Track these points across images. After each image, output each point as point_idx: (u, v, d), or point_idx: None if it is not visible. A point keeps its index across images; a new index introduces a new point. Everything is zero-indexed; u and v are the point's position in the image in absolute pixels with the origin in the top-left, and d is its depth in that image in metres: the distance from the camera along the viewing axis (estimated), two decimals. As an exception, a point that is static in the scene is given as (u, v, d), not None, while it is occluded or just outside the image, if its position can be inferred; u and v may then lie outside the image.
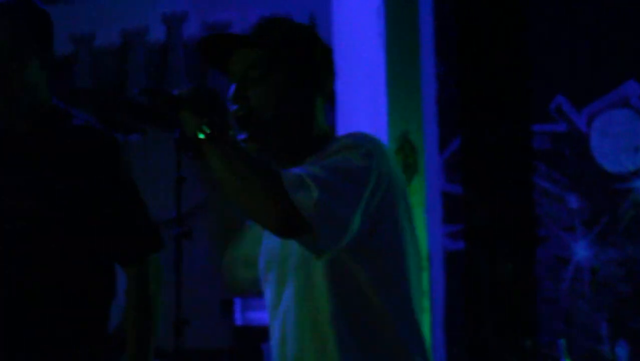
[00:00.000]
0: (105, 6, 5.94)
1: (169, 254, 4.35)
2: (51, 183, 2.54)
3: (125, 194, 2.65)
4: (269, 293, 2.27)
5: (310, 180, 1.98)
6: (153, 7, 5.81)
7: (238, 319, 5.01)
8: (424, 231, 4.41)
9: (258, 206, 2.02)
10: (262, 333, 5.24)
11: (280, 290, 2.21)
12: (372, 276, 2.09)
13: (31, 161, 2.58)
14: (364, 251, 2.08)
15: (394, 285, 2.10)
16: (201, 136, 2.02)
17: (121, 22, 5.91)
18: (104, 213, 2.56)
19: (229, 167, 2.03)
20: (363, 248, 2.07)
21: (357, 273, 2.09)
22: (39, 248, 2.54)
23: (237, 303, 5.02)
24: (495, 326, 4.63)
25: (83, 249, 2.57)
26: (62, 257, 2.55)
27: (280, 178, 1.99)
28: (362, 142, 2.06)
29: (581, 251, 4.60)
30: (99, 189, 2.54)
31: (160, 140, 5.83)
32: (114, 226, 2.59)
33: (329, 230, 2.00)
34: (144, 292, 2.69)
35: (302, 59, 2.16)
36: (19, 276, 2.54)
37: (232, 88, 2.16)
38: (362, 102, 4.34)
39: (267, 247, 2.24)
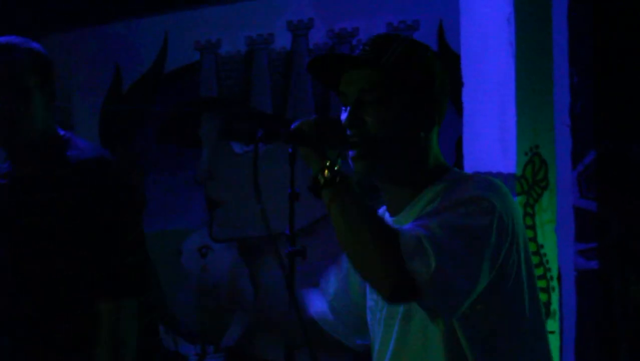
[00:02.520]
0: (230, 14, 5.91)
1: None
2: (50, 216, 2.59)
3: (115, 230, 2.65)
4: (376, 343, 2.18)
5: (428, 244, 1.87)
6: (278, 15, 5.76)
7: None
8: (554, 248, 4.23)
9: (370, 267, 1.91)
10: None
11: (388, 339, 2.12)
12: (489, 329, 1.99)
13: (33, 196, 2.63)
14: (483, 306, 1.98)
15: (511, 337, 2.01)
16: (320, 179, 1.95)
17: (246, 29, 5.87)
18: (90, 245, 2.60)
19: (346, 219, 1.92)
20: (482, 304, 1.97)
21: (474, 327, 2.00)
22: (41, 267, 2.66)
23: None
24: (630, 351, 4.44)
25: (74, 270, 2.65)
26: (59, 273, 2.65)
27: (397, 239, 1.88)
28: (484, 194, 1.95)
29: None
30: (91, 222, 2.57)
31: (285, 151, 5.77)
32: (94, 259, 2.63)
33: (446, 301, 1.89)
34: (112, 333, 2.68)
35: (421, 82, 2.05)
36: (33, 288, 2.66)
37: (346, 111, 2.06)
38: (490, 114, 4.19)
39: (375, 297, 2.15)
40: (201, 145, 6.12)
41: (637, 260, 4.51)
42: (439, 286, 1.87)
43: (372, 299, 2.20)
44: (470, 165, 4.25)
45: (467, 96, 4.28)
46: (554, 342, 4.22)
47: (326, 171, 1.95)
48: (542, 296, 4.21)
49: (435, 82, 2.08)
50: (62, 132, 2.79)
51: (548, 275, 4.23)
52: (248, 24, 5.87)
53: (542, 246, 4.20)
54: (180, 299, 6.08)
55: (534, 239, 4.18)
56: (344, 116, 2.06)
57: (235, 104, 6.01)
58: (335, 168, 1.95)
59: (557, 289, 4.26)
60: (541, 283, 4.22)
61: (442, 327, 1.99)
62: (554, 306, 4.24)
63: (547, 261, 4.23)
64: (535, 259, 4.20)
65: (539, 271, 4.20)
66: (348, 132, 2.04)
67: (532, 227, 4.19)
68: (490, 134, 4.17)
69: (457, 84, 4.46)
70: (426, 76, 2.07)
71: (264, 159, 5.84)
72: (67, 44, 6.30)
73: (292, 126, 2.04)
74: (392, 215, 2.14)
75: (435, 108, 2.08)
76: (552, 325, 4.21)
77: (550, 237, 4.22)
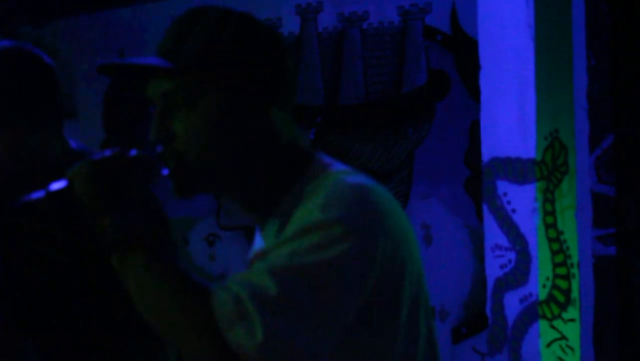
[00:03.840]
0: (238, -2, 5.84)
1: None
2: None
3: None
4: None
5: (251, 304, 1.47)
6: (287, -1, 5.70)
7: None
8: (574, 235, 4.17)
9: (183, 344, 1.52)
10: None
11: None
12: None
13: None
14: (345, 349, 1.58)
15: None
16: (104, 242, 1.55)
17: (255, 13, 5.79)
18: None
19: (141, 286, 1.53)
20: (344, 346, 1.57)
21: None
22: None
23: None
24: (649, 339, 4.40)
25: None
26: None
27: (210, 306, 1.49)
28: (335, 216, 1.52)
29: None
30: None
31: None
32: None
33: (283, 355, 1.49)
34: None
35: (232, 70, 1.63)
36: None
37: (153, 119, 1.65)
38: (509, 98, 4.12)
39: None
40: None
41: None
42: (270, 355, 1.48)
43: None
44: (489, 150, 4.19)
45: (485, 79, 4.22)
46: (573, 330, 4.17)
47: (110, 231, 1.55)
48: (563, 284, 4.15)
49: (258, 61, 1.64)
50: (78, 147, 2.68)
51: (568, 262, 4.17)
52: (255, 8, 5.77)
53: (562, 233, 4.14)
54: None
55: (554, 225, 4.12)
56: (152, 125, 1.67)
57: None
58: (124, 223, 1.55)
59: (577, 276, 4.20)
60: (561, 270, 4.16)
61: None
62: (574, 293, 4.18)
63: (568, 248, 4.17)
64: (555, 246, 4.13)
65: (559, 258, 4.15)
66: (158, 148, 1.65)
67: (552, 213, 4.13)
68: (509, 118, 4.10)
69: (473, 67, 4.39)
70: (241, 63, 1.64)
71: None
72: (71, 30, 6.24)
73: (63, 180, 1.61)
74: (260, 228, 1.74)
75: (264, 93, 1.64)
76: (573, 312, 4.16)
77: (570, 223, 4.15)
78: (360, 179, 1.63)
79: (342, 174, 1.64)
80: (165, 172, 1.64)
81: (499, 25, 4.14)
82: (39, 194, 1.62)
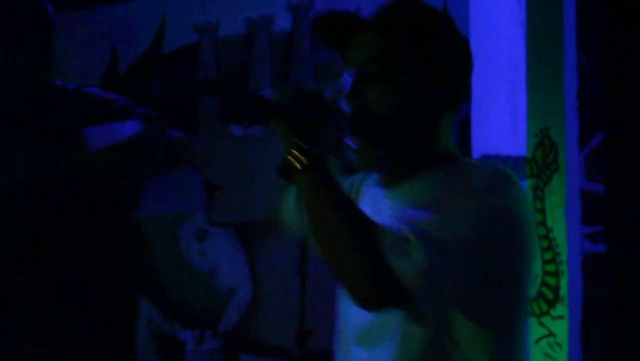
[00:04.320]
0: (229, -6, 5.87)
1: (293, 258, 4.25)
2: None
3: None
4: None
5: (417, 241, 1.65)
6: (279, -5, 5.72)
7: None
8: (564, 232, 4.19)
9: (346, 267, 1.66)
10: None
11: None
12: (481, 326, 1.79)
13: None
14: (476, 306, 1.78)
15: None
16: (292, 161, 1.71)
17: (246, 10, 5.82)
18: None
19: (318, 210, 1.69)
20: (476, 303, 1.77)
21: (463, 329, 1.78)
22: None
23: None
24: (638, 336, 4.40)
25: None
26: None
27: (379, 236, 1.65)
28: (494, 186, 1.74)
29: None
30: None
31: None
32: None
33: (434, 299, 1.69)
34: None
35: (436, 58, 1.82)
36: None
37: (348, 82, 1.82)
38: (500, 96, 4.14)
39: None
40: (199, 127, 6.07)
41: (641, 247, 4.48)
42: (428, 283, 1.65)
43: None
44: (479, 147, 4.21)
45: (476, 77, 4.22)
46: (562, 327, 4.19)
47: (299, 152, 1.71)
48: (551, 281, 4.17)
49: (453, 60, 1.88)
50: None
51: (557, 259, 4.19)
52: (247, 4, 5.83)
53: (551, 230, 4.16)
54: (177, 284, 6.04)
55: (543, 222, 4.15)
56: (345, 87, 1.84)
57: (234, 87, 5.96)
58: (311, 148, 1.72)
59: (566, 274, 4.22)
60: (550, 268, 4.18)
61: (424, 325, 1.78)
62: (563, 291, 4.20)
63: (557, 245, 4.19)
64: (544, 243, 4.16)
65: (548, 255, 4.17)
66: (346, 108, 1.82)
67: (542, 210, 4.15)
68: (500, 116, 4.12)
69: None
70: (443, 53, 1.86)
71: (260, 144, 5.82)
72: (63, 25, 6.23)
73: (269, 98, 1.81)
74: (384, 187, 1.92)
75: (449, 90, 1.87)
76: (561, 309, 4.18)
77: (559, 220, 4.18)
78: (504, 167, 1.87)
79: (491, 164, 2.06)
80: (348, 133, 1.82)
81: (490, 24, 4.16)
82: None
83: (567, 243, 4.26)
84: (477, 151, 4.24)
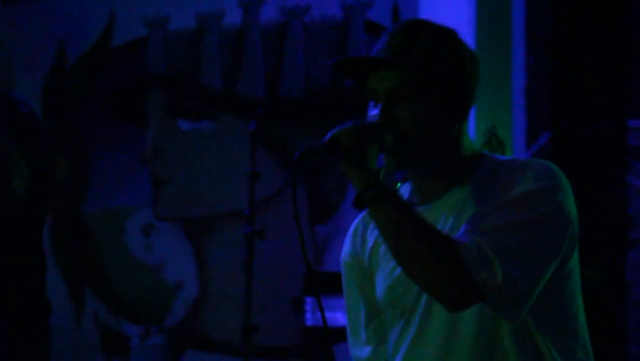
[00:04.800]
0: (180, -12, 5.86)
1: (240, 254, 4.24)
2: None
3: None
4: (393, 337, 2.09)
5: (491, 251, 1.82)
6: (230, -9, 5.71)
7: (309, 319, 4.91)
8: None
9: (433, 281, 1.86)
10: (332, 333, 5.15)
11: (406, 333, 2.05)
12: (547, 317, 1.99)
13: None
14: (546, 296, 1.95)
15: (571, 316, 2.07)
16: (367, 195, 1.87)
17: (196, 5, 5.81)
18: None
19: (401, 238, 1.85)
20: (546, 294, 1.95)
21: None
22: None
23: (308, 303, 4.90)
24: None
25: None
26: None
27: (457, 251, 1.83)
28: (547, 184, 1.92)
29: (677, 256, 4.41)
30: None
31: (234, 130, 5.73)
32: None
33: (515, 307, 1.86)
34: None
35: (451, 74, 2.00)
36: None
37: (376, 108, 2.00)
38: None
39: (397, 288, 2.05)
40: (147, 122, 6.05)
41: (591, 242, 4.52)
42: (507, 294, 1.83)
43: (398, 292, 2.08)
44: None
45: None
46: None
47: (371, 186, 1.86)
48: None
49: (465, 71, 2.02)
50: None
51: (504, 256, 4.23)
52: (198, -1, 5.82)
53: (498, 228, 4.20)
54: (123, 279, 6.01)
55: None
56: (374, 112, 2.00)
57: (183, 81, 5.95)
58: (375, 180, 1.88)
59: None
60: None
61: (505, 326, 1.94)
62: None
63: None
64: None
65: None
66: (384, 132, 1.98)
67: (489, 208, 4.19)
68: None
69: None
70: (456, 67, 2.01)
71: (208, 139, 5.80)
72: (10, 17, 6.18)
73: (328, 137, 1.92)
74: (421, 203, 2.06)
75: (466, 97, 2.02)
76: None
77: (506, 218, 4.22)
78: (544, 160, 2.07)
79: (528, 159, 2.07)
80: (385, 152, 1.97)
81: (440, 22, 4.19)
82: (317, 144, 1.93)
83: (514, 240, 4.30)
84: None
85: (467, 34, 4.10)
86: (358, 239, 2.22)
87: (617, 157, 4.47)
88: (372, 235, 2.16)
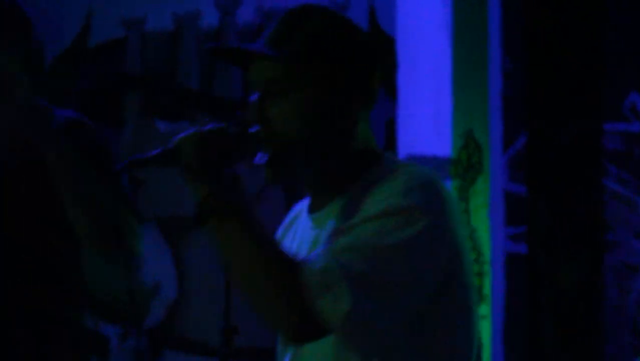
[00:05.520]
0: (156, -12, 5.84)
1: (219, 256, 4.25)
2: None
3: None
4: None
5: (340, 277, 1.59)
6: (206, -8, 5.69)
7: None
8: (487, 233, 4.24)
9: (269, 308, 1.64)
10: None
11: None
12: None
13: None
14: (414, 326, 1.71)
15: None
16: (204, 207, 1.66)
17: (173, 6, 5.79)
18: None
19: (236, 253, 1.66)
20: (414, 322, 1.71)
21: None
22: None
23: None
24: (556, 336, 4.46)
25: None
26: None
27: (300, 275, 1.60)
28: (416, 202, 1.67)
29: (652, 259, 4.42)
30: None
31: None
32: None
33: (364, 341, 1.64)
34: None
35: (334, 66, 1.78)
36: None
37: (253, 104, 1.79)
38: (425, 98, 4.18)
39: None
40: (124, 123, 6.03)
41: (565, 244, 4.53)
42: (354, 326, 1.60)
43: None
44: (405, 148, 4.24)
45: (402, 78, 4.27)
46: (485, 327, 4.23)
47: (210, 199, 1.66)
48: (475, 281, 4.22)
49: (357, 62, 1.80)
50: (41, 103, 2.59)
51: (481, 259, 4.24)
52: (174, 0, 5.79)
53: (475, 230, 4.20)
54: (101, 279, 5.98)
55: (467, 223, 4.19)
56: (251, 110, 1.81)
57: (160, 82, 5.93)
58: (218, 192, 1.67)
59: (489, 274, 4.27)
60: (474, 268, 4.22)
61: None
62: (486, 290, 4.25)
63: (480, 246, 4.24)
64: (468, 244, 4.20)
65: (471, 256, 4.21)
66: (254, 128, 1.78)
67: (466, 211, 4.19)
68: (425, 116, 4.16)
69: (390, 65, 4.44)
70: (341, 58, 1.78)
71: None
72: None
73: (170, 145, 1.73)
74: (313, 211, 1.87)
75: (359, 91, 1.80)
76: (485, 309, 4.22)
77: (483, 221, 4.22)
78: (429, 170, 1.81)
79: (412, 166, 1.80)
80: (259, 154, 1.79)
81: (416, 25, 4.19)
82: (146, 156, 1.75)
83: (491, 243, 4.31)
84: (402, 152, 4.27)
85: (443, 38, 4.11)
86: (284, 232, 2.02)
87: (593, 161, 4.49)
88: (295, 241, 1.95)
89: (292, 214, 2.00)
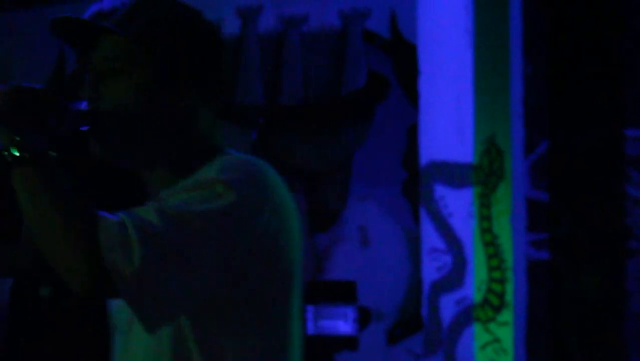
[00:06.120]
0: (179, -2, 5.84)
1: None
2: None
3: None
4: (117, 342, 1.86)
5: (134, 233, 1.57)
6: (228, 0, 5.70)
7: (310, 328, 4.90)
8: (509, 239, 4.23)
9: (60, 257, 1.59)
10: (334, 342, 5.17)
11: (126, 341, 1.81)
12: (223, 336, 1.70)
13: None
14: (217, 310, 1.68)
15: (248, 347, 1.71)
16: (7, 154, 1.63)
17: (195, 13, 5.80)
18: None
19: (34, 204, 1.61)
20: (222, 302, 1.67)
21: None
22: None
23: (310, 311, 4.90)
24: (579, 343, 4.45)
25: None
26: None
27: (95, 227, 1.57)
28: (223, 177, 1.65)
29: (675, 265, 4.41)
30: None
31: (234, 137, 5.73)
32: None
33: (155, 305, 1.59)
34: None
35: (174, 51, 1.77)
36: None
37: (86, 82, 1.77)
38: (447, 104, 4.18)
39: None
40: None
41: (587, 250, 4.52)
42: (144, 284, 1.56)
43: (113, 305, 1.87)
44: (427, 154, 4.24)
45: (424, 85, 4.27)
46: (507, 333, 4.23)
47: (14, 148, 1.62)
48: (497, 287, 4.21)
49: (197, 54, 1.78)
50: None
51: (503, 266, 4.23)
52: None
53: (497, 237, 4.20)
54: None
55: (489, 229, 4.18)
56: (84, 87, 1.77)
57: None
58: (24, 142, 1.62)
59: (511, 280, 4.26)
60: (496, 274, 4.22)
61: (165, 333, 1.69)
62: (508, 297, 4.24)
63: (502, 252, 4.23)
64: (490, 250, 4.20)
65: (494, 262, 4.21)
66: (83, 105, 1.74)
67: (488, 218, 4.19)
68: (447, 123, 4.15)
69: (411, 72, 4.44)
70: (182, 43, 1.76)
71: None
72: (9, 25, 6.18)
73: None
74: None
75: (195, 82, 1.77)
76: (507, 315, 4.22)
77: (505, 228, 4.22)
78: (254, 158, 1.77)
79: (240, 155, 1.79)
80: (85, 129, 1.75)
81: (438, 31, 4.19)
82: None
83: (513, 249, 4.30)
84: (424, 158, 4.27)
85: (465, 43, 4.11)
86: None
87: (615, 167, 4.48)
88: None
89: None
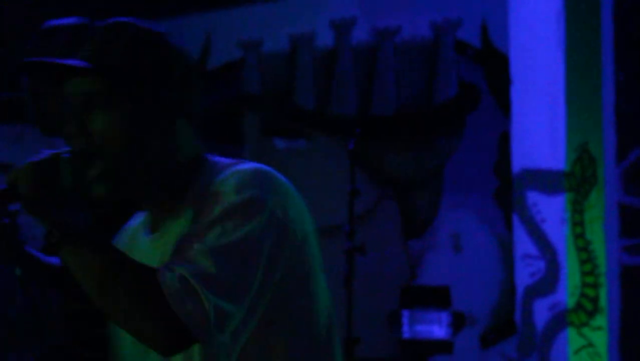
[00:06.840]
0: (273, 11, 5.94)
1: (340, 269, 4.33)
2: None
3: None
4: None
5: (197, 283, 1.60)
6: (321, 12, 5.78)
7: (405, 332, 4.95)
8: (602, 245, 4.25)
9: (136, 324, 1.64)
10: (429, 346, 5.21)
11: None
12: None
13: None
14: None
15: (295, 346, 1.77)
16: (53, 239, 1.65)
17: (289, 27, 5.90)
18: None
19: (94, 280, 1.64)
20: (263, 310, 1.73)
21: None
22: None
23: (405, 316, 4.95)
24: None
25: None
26: None
27: (157, 286, 1.61)
28: (253, 194, 1.68)
29: None
30: None
31: (329, 148, 5.81)
32: None
33: (231, 338, 1.66)
34: None
35: (149, 78, 1.78)
36: None
37: (70, 119, 1.77)
38: (540, 112, 4.21)
39: None
40: (243, 141, 6.16)
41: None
42: (220, 320, 1.62)
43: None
44: (519, 162, 4.28)
45: (516, 93, 4.30)
46: (601, 338, 4.24)
47: (55, 229, 1.64)
48: (590, 292, 4.23)
49: (169, 73, 1.80)
50: None
51: (596, 271, 4.24)
52: (290, 21, 5.90)
53: (590, 242, 4.21)
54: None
55: (582, 235, 4.20)
56: (69, 129, 1.78)
57: (277, 102, 6.05)
58: (58, 221, 1.65)
59: (604, 285, 4.27)
60: (589, 279, 4.23)
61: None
62: (602, 302, 4.25)
63: (596, 258, 4.24)
64: (583, 256, 4.21)
65: (587, 267, 4.23)
66: (76, 145, 1.76)
67: (581, 223, 4.20)
68: (540, 130, 4.17)
69: (502, 81, 4.49)
70: (155, 70, 1.78)
71: (303, 158, 5.89)
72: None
73: (6, 182, 1.69)
74: (152, 232, 1.87)
75: (172, 103, 1.79)
76: (600, 320, 4.23)
77: (598, 234, 4.23)
78: (256, 165, 1.80)
79: (238, 164, 1.80)
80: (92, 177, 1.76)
81: (530, 40, 4.22)
82: None
83: (606, 255, 4.31)
84: (516, 165, 4.31)
85: (557, 52, 4.14)
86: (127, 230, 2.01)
87: None
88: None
89: (124, 237, 2.00)
